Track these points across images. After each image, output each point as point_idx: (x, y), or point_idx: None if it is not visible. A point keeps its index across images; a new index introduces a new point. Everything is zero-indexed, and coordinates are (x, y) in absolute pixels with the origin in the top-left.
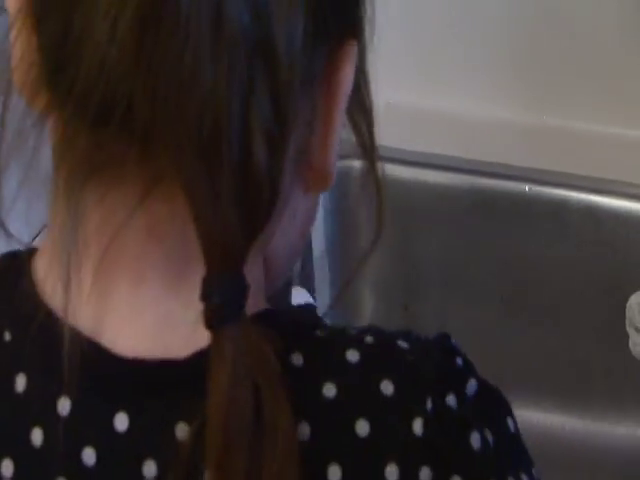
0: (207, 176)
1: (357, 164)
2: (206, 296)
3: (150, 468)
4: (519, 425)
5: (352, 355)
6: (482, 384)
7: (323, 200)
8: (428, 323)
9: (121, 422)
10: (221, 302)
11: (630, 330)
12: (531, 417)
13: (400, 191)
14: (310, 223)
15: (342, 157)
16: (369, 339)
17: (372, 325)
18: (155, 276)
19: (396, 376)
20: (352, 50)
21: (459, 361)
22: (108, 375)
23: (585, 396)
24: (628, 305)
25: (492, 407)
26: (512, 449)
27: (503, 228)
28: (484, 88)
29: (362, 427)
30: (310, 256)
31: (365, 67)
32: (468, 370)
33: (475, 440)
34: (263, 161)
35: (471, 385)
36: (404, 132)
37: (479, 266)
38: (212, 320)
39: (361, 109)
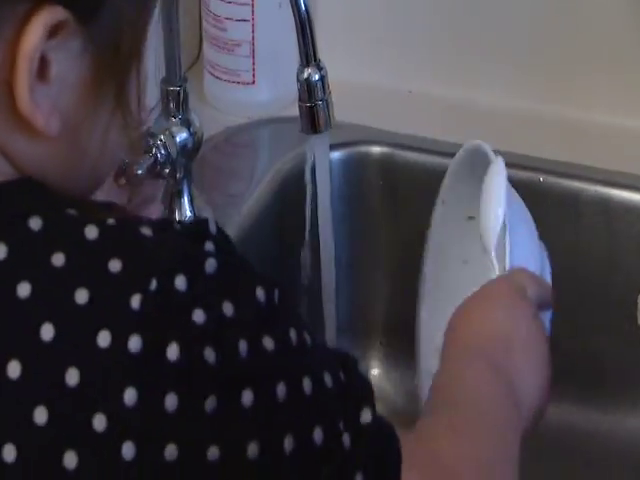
0: None
1: (375, 150)
2: None
3: None
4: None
5: (90, 231)
6: (227, 262)
7: (337, 185)
8: None
9: None
10: None
11: None
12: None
13: (413, 177)
14: (68, 168)
15: (358, 143)
16: (112, 221)
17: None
18: None
19: (126, 257)
20: (47, 17)
21: (207, 245)
22: None
23: (599, 388)
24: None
25: (235, 281)
26: (257, 317)
27: None
28: (499, 77)
29: (81, 296)
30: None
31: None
32: (215, 251)
33: (198, 315)
34: None
35: (210, 264)
36: (422, 120)
37: None
38: None
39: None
